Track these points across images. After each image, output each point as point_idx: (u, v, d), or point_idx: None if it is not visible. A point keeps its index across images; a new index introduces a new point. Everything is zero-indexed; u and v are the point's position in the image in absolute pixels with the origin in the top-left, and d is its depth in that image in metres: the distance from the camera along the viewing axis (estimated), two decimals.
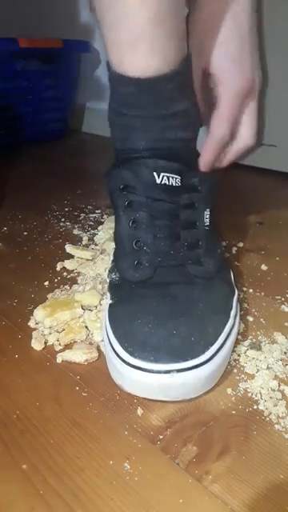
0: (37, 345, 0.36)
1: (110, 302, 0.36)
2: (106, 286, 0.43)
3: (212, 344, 0.31)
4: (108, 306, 0.36)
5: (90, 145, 1.14)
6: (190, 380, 0.29)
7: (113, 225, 0.57)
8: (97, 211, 0.66)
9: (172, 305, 0.33)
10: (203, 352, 0.30)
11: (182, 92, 0.36)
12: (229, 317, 0.34)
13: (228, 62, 0.41)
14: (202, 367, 0.29)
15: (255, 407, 0.30)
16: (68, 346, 0.36)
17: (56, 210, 0.67)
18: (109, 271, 0.39)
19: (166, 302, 0.33)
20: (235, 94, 0.41)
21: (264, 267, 0.49)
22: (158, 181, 0.35)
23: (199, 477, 0.25)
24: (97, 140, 1.19)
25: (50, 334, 0.37)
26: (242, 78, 0.41)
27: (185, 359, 0.29)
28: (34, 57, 1.00)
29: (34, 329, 0.38)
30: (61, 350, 0.35)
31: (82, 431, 0.28)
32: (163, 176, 0.36)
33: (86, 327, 0.38)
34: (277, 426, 0.29)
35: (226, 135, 0.42)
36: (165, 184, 0.36)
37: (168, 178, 0.36)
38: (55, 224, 0.62)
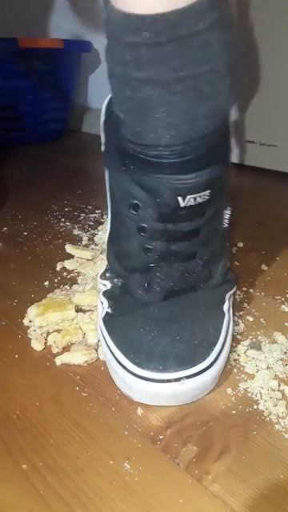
0: (37, 345, 0.36)
1: (108, 310, 0.34)
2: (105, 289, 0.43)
3: (215, 344, 0.31)
4: (104, 314, 0.34)
5: (89, 145, 1.14)
6: (200, 384, 0.29)
7: None
8: (97, 211, 0.66)
9: (172, 308, 0.32)
10: (208, 354, 0.30)
11: (218, 30, 0.24)
12: (224, 313, 0.34)
13: None
14: (209, 370, 0.29)
15: (255, 407, 0.30)
16: (66, 349, 0.36)
17: (56, 210, 0.67)
18: (108, 274, 0.37)
19: (165, 306, 0.32)
20: None
21: (264, 267, 0.49)
22: (183, 204, 0.28)
23: (199, 477, 0.25)
24: (97, 140, 1.19)
25: (42, 333, 0.37)
26: None
27: (193, 365, 0.29)
28: (34, 57, 1.00)
29: (28, 327, 0.38)
30: (59, 353, 0.35)
31: (82, 431, 0.28)
32: (190, 199, 0.28)
33: (81, 328, 0.37)
34: (277, 426, 0.29)
35: None
36: (190, 206, 0.28)
37: (195, 198, 0.28)
38: (55, 224, 0.62)
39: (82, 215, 0.64)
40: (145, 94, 0.24)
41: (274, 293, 0.44)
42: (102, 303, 0.35)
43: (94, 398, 0.31)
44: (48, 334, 0.37)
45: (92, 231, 0.58)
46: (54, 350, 0.35)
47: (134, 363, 0.29)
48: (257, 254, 0.53)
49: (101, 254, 0.50)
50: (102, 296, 0.36)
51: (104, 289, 0.37)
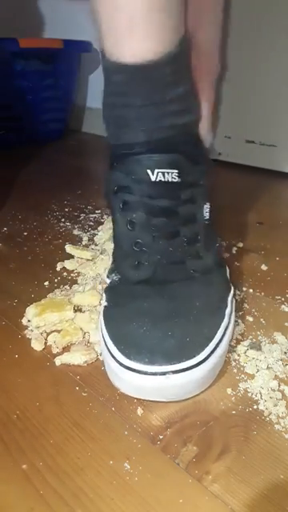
0: (37, 345, 0.36)
1: (105, 304, 0.35)
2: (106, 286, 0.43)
3: (207, 345, 0.30)
4: (103, 308, 0.35)
5: (89, 145, 1.14)
6: (186, 381, 0.29)
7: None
8: (97, 211, 0.66)
9: (168, 305, 0.33)
10: (198, 353, 0.30)
11: (180, 75, 0.35)
12: (224, 315, 0.34)
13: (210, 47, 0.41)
14: (198, 368, 0.29)
15: (255, 407, 0.30)
16: (66, 349, 0.36)
17: (56, 210, 0.67)
18: (108, 272, 0.39)
19: (161, 303, 0.33)
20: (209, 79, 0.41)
21: (264, 267, 0.49)
22: (153, 178, 0.34)
23: (199, 477, 0.25)
24: (97, 140, 1.19)
25: (42, 333, 0.37)
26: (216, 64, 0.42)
27: (180, 360, 0.29)
28: (34, 57, 1.00)
29: (26, 326, 0.38)
30: (58, 353, 0.35)
31: (82, 431, 0.28)
32: (158, 173, 0.34)
33: (81, 329, 0.37)
34: (277, 426, 0.29)
35: None
36: (160, 181, 0.34)
37: (164, 173, 0.34)
38: (55, 224, 0.62)
39: (82, 215, 0.64)
40: (122, 112, 0.34)
41: (274, 293, 0.44)
42: (102, 299, 0.37)
43: (94, 398, 0.31)
44: (48, 334, 0.37)
45: (92, 231, 0.58)
46: (54, 350, 0.35)
47: (124, 354, 0.30)
48: (257, 254, 0.53)
49: (101, 254, 0.50)
50: (103, 293, 0.37)
51: (106, 286, 0.38)
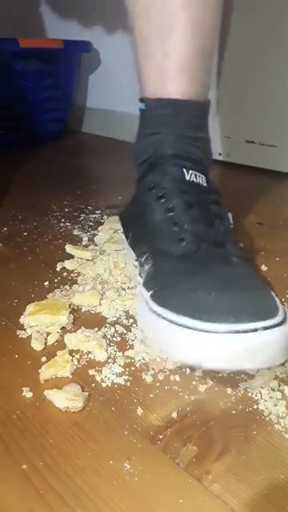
0: (37, 345, 0.36)
1: (150, 293, 0.33)
2: (106, 286, 0.43)
3: (278, 309, 0.29)
4: (149, 297, 0.33)
5: (89, 145, 1.14)
6: (278, 338, 0.27)
7: (113, 225, 0.57)
8: (97, 212, 0.66)
9: (222, 279, 0.31)
10: (276, 314, 0.28)
11: (204, 122, 0.43)
12: (273, 295, 0.32)
13: None
14: (284, 325, 0.28)
15: (255, 407, 0.30)
16: (58, 384, 0.32)
17: (56, 210, 0.67)
18: (139, 264, 0.39)
19: (215, 276, 0.31)
20: None
21: (264, 267, 0.49)
22: (187, 177, 0.38)
23: (199, 477, 0.25)
24: (97, 140, 1.20)
25: (42, 333, 0.37)
26: None
27: (266, 318, 0.27)
28: (34, 57, 1.00)
29: (22, 324, 0.38)
30: (49, 385, 0.32)
31: (82, 431, 0.28)
32: (192, 173, 0.39)
33: (72, 360, 0.34)
34: (277, 426, 0.29)
35: None
36: (193, 181, 0.38)
37: (196, 175, 0.39)
38: (55, 224, 0.62)
39: (82, 216, 0.64)
40: (162, 137, 0.41)
41: (274, 293, 0.44)
42: (142, 294, 0.35)
43: (94, 397, 0.31)
44: (48, 334, 0.37)
45: (92, 231, 0.59)
46: (55, 350, 0.35)
47: (202, 320, 0.27)
48: (257, 255, 0.53)
49: (101, 254, 0.50)
50: (141, 288, 0.36)
51: (140, 281, 0.37)
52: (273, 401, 0.30)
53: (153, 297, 0.33)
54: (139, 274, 0.38)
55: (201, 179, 0.39)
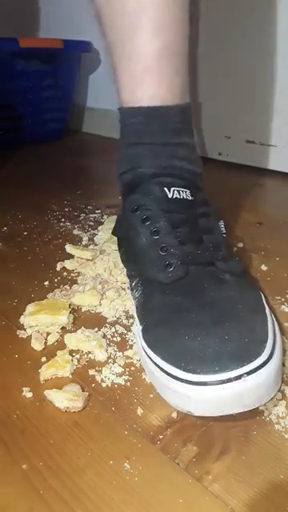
0: (37, 345, 0.36)
1: (141, 326, 0.33)
2: (106, 285, 0.43)
3: (266, 341, 0.29)
4: (141, 331, 0.33)
5: (89, 145, 1.14)
6: (264, 379, 0.27)
7: (112, 225, 0.57)
8: (97, 211, 0.66)
9: (212, 312, 0.30)
10: (262, 350, 0.28)
11: (185, 127, 0.41)
12: (266, 314, 0.32)
13: None
14: (269, 364, 0.27)
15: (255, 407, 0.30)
16: (58, 384, 0.32)
17: (56, 210, 0.67)
18: (130, 287, 0.38)
19: (205, 311, 0.31)
20: None
21: (264, 267, 0.49)
22: (170, 195, 0.37)
23: (199, 477, 0.25)
24: (97, 140, 1.20)
25: (42, 333, 0.37)
26: None
27: (249, 361, 0.27)
28: (34, 57, 1.00)
29: (22, 324, 0.38)
30: (49, 385, 0.32)
31: (82, 431, 0.28)
32: (174, 190, 0.37)
33: (72, 360, 0.34)
34: (277, 426, 0.29)
35: None
36: (176, 198, 0.37)
37: (179, 191, 0.37)
38: (55, 224, 0.62)
39: (82, 215, 0.64)
40: (138, 150, 0.40)
41: (274, 293, 0.44)
42: (135, 322, 0.36)
43: (94, 397, 0.31)
44: (48, 334, 0.37)
45: (92, 231, 0.59)
46: (54, 350, 0.35)
47: (187, 371, 0.27)
48: (257, 255, 0.53)
49: (101, 254, 0.50)
50: (135, 316, 0.36)
51: (133, 306, 0.37)
52: (273, 401, 0.30)
53: (143, 332, 0.33)
54: (132, 298, 0.38)
55: (185, 194, 0.37)
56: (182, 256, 0.34)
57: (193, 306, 0.31)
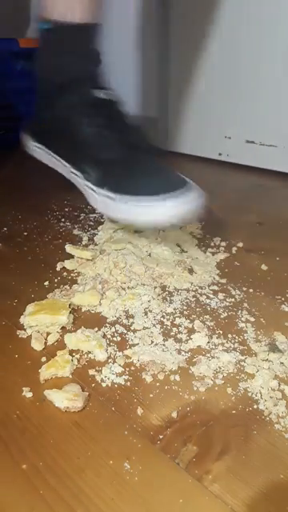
0: (37, 345, 0.36)
1: (106, 187, 0.47)
2: (106, 285, 0.43)
3: (186, 181, 0.45)
4: (107, 190, 0.46)
5: None
6: (196, 196, 0.43)
7: (112, 225, 0.57)
8: (97, 211, 0.65)
9: (148, 167, 0.47)
10: (186, 183, 0.45)
11: (96, 40, 0.53)
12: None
13: None
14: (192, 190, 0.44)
15: (255, 407, 0.30)
16: (58, 384, 0.32)
17: (56, 210, 0.67)
18: (80, 171, 0.51)
19: (144, 167, 0.46)
20: None
21: (264, 267, 0.49)
22: (101, 95, 0.50)
23: (199, 476, 0.25)
24: None
25: (42, 333, 0.37)
26: None
27: (182, 187, 0.43)
28: (34, 57, 1.00)
29: (22, 324, 0.38)
30: (49, 385, 0.32)
31: (82, 431, 0.28)
32: (102, 92, 0.51)
33: (72, 360, 0.34)
34: (277, 426, 0.29)
35: None
36: (105, 98, 0.50)
37: (105, 93, 0.51)
38: (55, 224, 0.62)
39: (82, 215, 0.64)
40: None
41: (274, 292, 0.44)
42: (99, 192, 0.48)
43: (94, 397, 0.31)
44: (48, 334, 0.37)
45: (92, 231, 0.58)
46: (54, 350, 0.35)
47: (155, 198, 0.43)
48: (257, 254, 0.53)
49: (100, 253, 0.50)
50: (92, 187, 0.49)
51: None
52: (273, 400, 0.30)
53: (110, 189, 0.46)
54: (85, 178, 0.50)
55: (111, 96, 0.50)
56: (120, 141, 0.48)
57: (136, 165, 0.47)
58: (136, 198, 0.43)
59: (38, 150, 0.58)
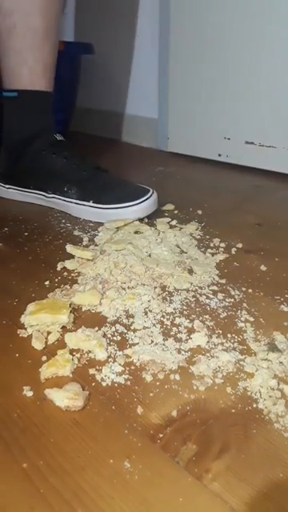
0: (37, 344, 0.36)
1: (92, 200, 0.63)
2: (106, 285, 0.44)
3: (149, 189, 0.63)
4: (92, 202, 0.63)
5: (90, 146, 1.14)
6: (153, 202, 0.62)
7: (112, 225, 0.57)
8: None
9: (110, 183, 0.65)
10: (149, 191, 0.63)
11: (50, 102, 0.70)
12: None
13: None
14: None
15: (255, 406, 0.30)
16: (58, 383, 0.32)
17: (57, 210, 0.67)
18: (61, 194, 0.65)
19: (107, 183, 0.64)
20: None
21: (263, 268, 0.50)
22: (59, 138, 0.68)
23: (199, 475, 0.26)
24: (97, 141, 1.20)
25: (42, 332, 0.37)
26: None
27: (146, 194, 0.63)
28: None
29: (23, 323, 0.39)
30: (50, 384, 0.32)
31: (83, 430, 0.29)
32: (58, 135, 0.69)
33: (73, 359, 0.34)
34: (276, 425, 0.29)
35: None
36: (61, 140, 0.69)
37: (60, 136, 0.69)
38: (56, 225, 0.62)
39: None
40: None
41: (273, 293, 0.44)
42: (84, 204, 0.64)
43: (94, 396, 0.31)
44: (48, 333, 0.38)
45: (92, 232, 0.59)
46: (55, 349, 0.36)
47: (130, 203, 0.61)
48: (256, 255, 0.53)
49: (101, 254, 0.50)
50: (76, 201, 0.64)
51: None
52: (272, 400, 0.31)
53: (93, 201, 0.62)
54: (67, 197, 0.64)
55: (61, 138, 0.68)
56: (86, 165, 0.65)
57: (104, 183, 0.64)
58: (116, 206, 0.61)
59: (10, 191, 0.71)
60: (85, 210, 0.62)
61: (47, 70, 0.66)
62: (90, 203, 0.62)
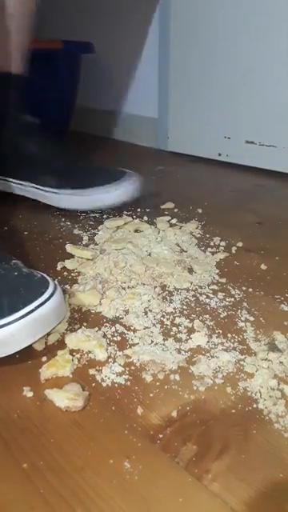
0: (37, 344, 0.36)
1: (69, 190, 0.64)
2: (106, 285, 0.44)
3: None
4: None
5: (90, 145, 1.14)
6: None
7: (112, 224, 0.57)
8: (97, 211, 0.66)
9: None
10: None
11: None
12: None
13: None
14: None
15: (255, 406, 0.30)
16: (58, 383, 0.32)
17: (56, 209, 0.67)
18: (39, 183, 0.65)
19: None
20: None
21: (263, 267, 0.49)
22: (34, 121, 0.69)
23: (199, 476, 0.26)
24: (97, 140, 1.20)
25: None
26: None
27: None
28: (34, 57, 1.00)
29: None
30: (50, 384, 0.32)
31: (83, 430, 0.29)
32: (29, 117, 0.71)
33: (73, 360, 0.34)
34: (276, 425, 0.29)
35: None
36: (35, 121, 0.70)
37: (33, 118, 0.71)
38: (55, 224, 0.62)
39: (82, 215, 0.64)
40: None
41: (274, 292, 0.44)
42: (64, 193, 0.64)
43: (94, 397, 0.31)
44: (48, 333, 0.37)
45: (92, 231, 0.59)
46: (55, 350, 0.36)
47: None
48: (256, 254, 0.53)
49: (101, 253, 0.50)
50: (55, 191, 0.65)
51: None
52: (272, 400, 0.31)
53: (71, 187, 0.62)
54: (44, 185, 0.64)
55: (33, 119, 0.67)
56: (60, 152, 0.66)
57: None
58: (93, 190, 0.60)
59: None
60: (60, 199, 0.63)
61: (18, 53, 0.69)
62: (66, 190, 0.62)
